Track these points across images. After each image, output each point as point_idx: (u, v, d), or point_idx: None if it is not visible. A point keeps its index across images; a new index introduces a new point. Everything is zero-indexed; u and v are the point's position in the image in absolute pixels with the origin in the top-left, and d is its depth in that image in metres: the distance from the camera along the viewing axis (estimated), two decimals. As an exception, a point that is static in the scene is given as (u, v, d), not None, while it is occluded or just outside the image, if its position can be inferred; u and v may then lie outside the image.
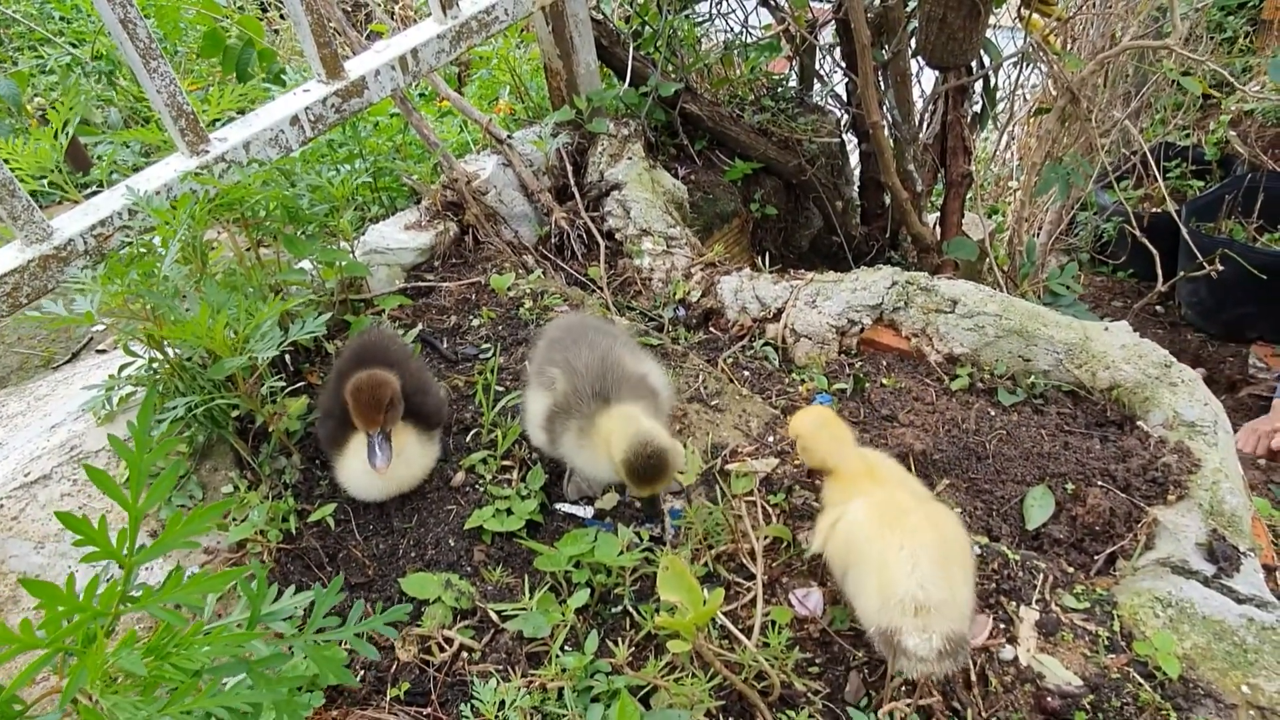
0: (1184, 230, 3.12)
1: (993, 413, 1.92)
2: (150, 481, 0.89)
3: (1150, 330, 4.38)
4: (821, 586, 1.52)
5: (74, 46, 4.29)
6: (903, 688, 1.38)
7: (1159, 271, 2.97)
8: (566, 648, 1.42)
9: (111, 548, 0.86)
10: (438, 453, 1.73)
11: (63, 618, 0.85)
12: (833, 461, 1.46)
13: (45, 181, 1.80)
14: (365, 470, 1.63)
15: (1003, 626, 1.45)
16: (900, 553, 1.23)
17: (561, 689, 1.34)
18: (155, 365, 1.73)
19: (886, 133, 2.87)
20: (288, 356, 1.96)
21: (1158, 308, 4.51)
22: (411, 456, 1.64)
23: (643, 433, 1.39)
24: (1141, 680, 1.36)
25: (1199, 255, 3.20)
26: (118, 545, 0.87)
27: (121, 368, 1.77)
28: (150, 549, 0.89)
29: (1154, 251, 3.00)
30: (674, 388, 1.78)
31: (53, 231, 1.73)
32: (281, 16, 5.04)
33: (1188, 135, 4.89)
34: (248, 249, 1.90)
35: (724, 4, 3.30)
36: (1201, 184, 4.67)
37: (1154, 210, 4.32)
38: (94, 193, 1.89)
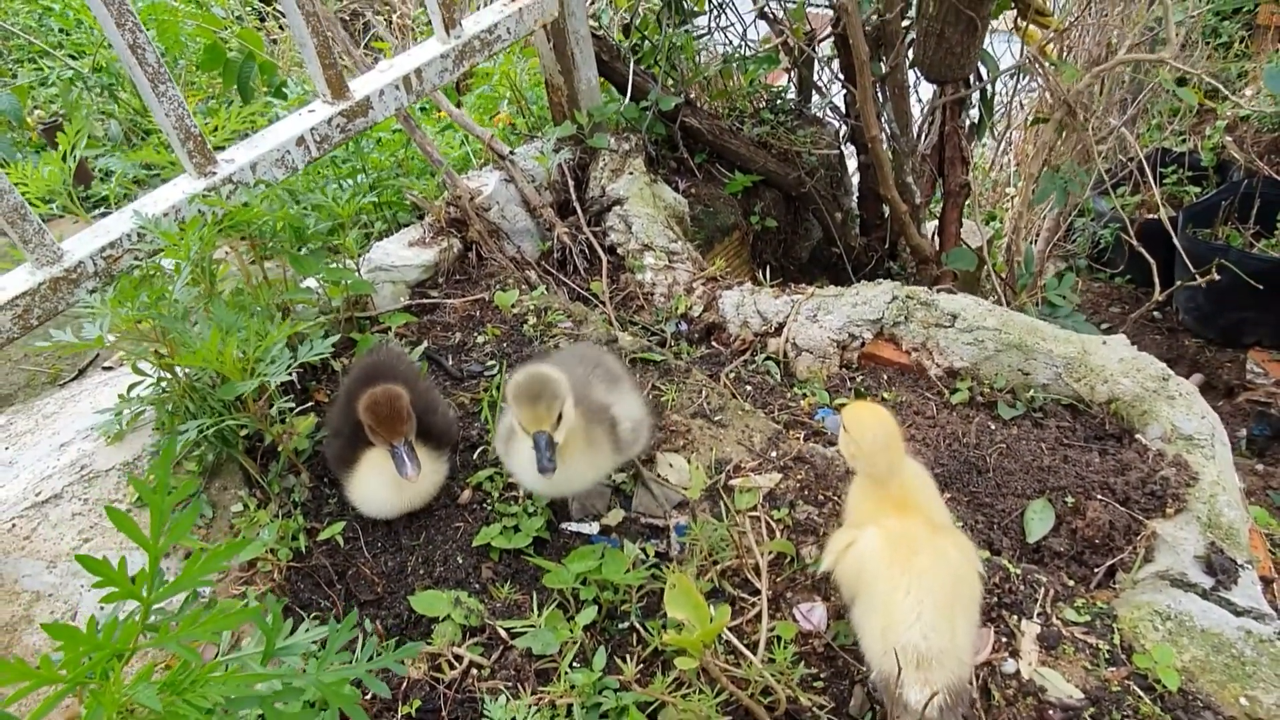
0: (1176, 239, 3.15)
1: (993, 426, 1.95)
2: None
3: (1148, 336, 4.41)
4: (825, 601, 1.54)
5: (73, 59, 4.31)
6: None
7: (1156, 280, 3.00)
8: (575, 664, 1.43)
9: (130, 587, 0.88)
10: (446, 470, 1.75)
11: (82, 656, 0.86)
12: (880, 479, 1.38)
13: (55, 205, 1.83)
14: (376, 487, 1.65)
15: (1005, 640, 1.47)
16: (906, 598, 1.23)
17: (571, 705, 1.36)
18: (164, 385, 1.75)
19: (885, 145, 2.90)
20: (295, 375, 1.97)
21: (1155, 313, 4.54)
22: (422, 474, 1.66)
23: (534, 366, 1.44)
24: (1141, 693, 1.38)
25: (1191, 264, 3.23)
26: (137, 584, 0.89)
27: (131, 387, 1.79)
28: (169, 587, 0.90)
29: (1150, 260, 3.02)
30: (652, 430, 1.71)
31: (63, 254, 1.75)
32: (281, 27, 5.07)
33: (1184, 141, 4.92)
34: (252, 262, 1.92)
35: (723, 17, 3.33)
36: (1198, 190, 4.70)
37: (1150, 216, 4.35)
38: (103, 214, 1.92)
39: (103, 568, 0.85)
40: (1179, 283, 3.23)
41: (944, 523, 1.39)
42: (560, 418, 1.41)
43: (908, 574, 1.24)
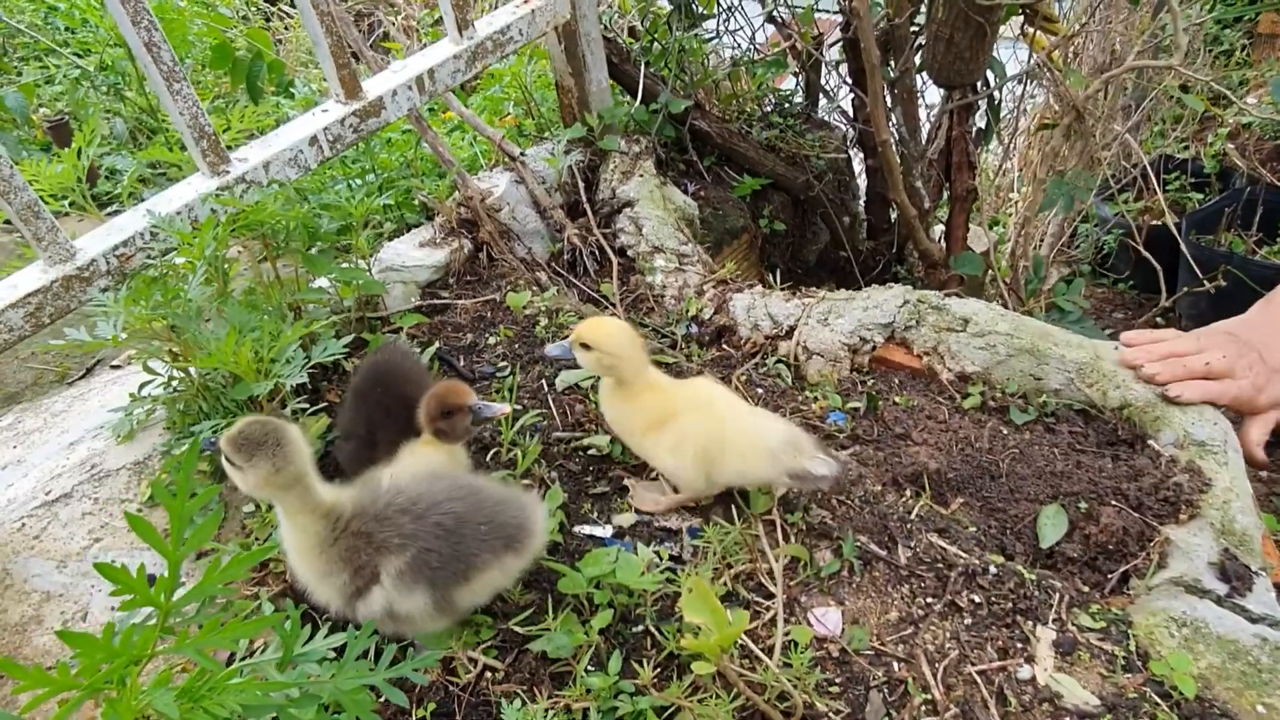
0: (1183, 245, 3.16)
1: (1005, 431, 1.94)
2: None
3: (1151, 342, 4.40)
4: (840, 606, 1.53)
5: (79, 57, 4.31)
6: (923, 706, 1.39)
7: (1163, 286, 3.00)
8: (590, 668, 1.43)
9: (149, 594, 0.88)
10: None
11: (99, 663, 0.86)
12: (637, 377, 1.57)
13: (67, 202, 1.82)
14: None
15: (1019, 645, 1.47)
16: (750, 422, 1.53)
17: (587, 709, 1.36)
18: (176, 384, 1.75)
19: (894, 150, 2.89)
20: (308, 375, 1.97)
21: (1158, 319, 4.55)
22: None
23: None
24: (1159, 700, 1.37)
25: (1197, 270, 3.24)
26: (156, 590, 0.88)
27: (142, 385, 1.79)
28: (189, 593, 0.90)
29: (1158, 267, 3.02)
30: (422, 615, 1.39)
31: (76, 252, 1.74)
32: (286, 28, 5.07)
33: (1186, 148, 4.93)
34: (261, 260, 1.92)
35: (732, 21, 3.33)
36: (1201, 196, 4.71)
37: (1154, 223, 4.36)
38: (112, 213, 1.91)
39: (121, 575, 0.84)
40: (1185, 289, 3.23)
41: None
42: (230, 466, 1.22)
43: (725, 418, 1.53)
